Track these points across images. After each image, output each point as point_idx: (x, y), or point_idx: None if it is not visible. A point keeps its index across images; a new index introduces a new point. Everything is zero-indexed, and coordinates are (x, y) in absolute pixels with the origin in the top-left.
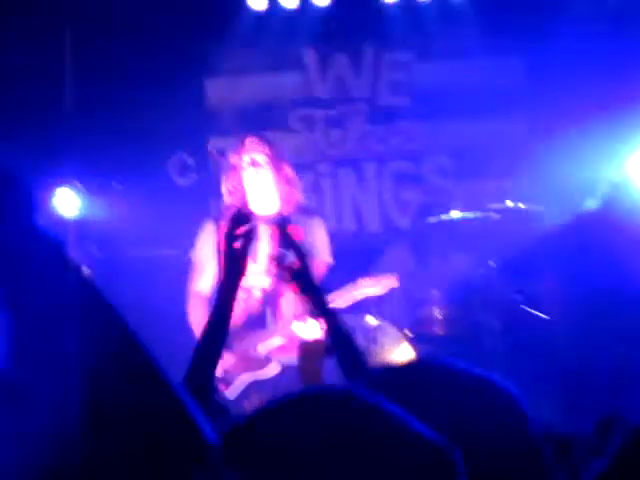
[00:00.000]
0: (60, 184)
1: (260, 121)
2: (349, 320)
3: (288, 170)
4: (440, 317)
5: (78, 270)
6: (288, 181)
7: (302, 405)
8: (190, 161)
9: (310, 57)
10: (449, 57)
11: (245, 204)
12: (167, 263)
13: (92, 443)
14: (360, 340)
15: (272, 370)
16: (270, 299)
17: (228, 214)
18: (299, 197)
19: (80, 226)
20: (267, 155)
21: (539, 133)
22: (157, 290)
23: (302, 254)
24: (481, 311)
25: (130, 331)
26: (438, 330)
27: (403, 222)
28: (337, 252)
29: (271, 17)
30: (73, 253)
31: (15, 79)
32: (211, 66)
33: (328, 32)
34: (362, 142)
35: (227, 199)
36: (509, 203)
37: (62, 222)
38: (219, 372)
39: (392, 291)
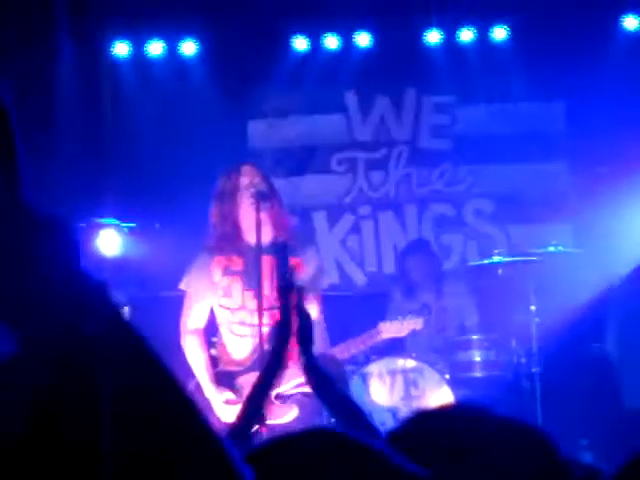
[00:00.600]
0: (102, 225)
1: (302, 163)
2: (389, 363)
3: (279, 197)
4: (479, 360)
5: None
6: (282, 209)
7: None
8: None
9: (352, 99)
10: (491, 101)
11: (238, 231)
12: None
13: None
14: (400, 383)
15: (285, 415)
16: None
17: (221, 244)
18: (291, 222)
19: (121, 266)
20: (268, 184)
21: (581, 178)
22: None
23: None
24: (521, 355)
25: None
26: (477, 374)
27: (445, 265)
28: (377, 295)
29: (314, 59)
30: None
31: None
32: (255, 107)
33: (370, 74)
34: (403, 185)
35: (219, 226)
36: (551, 247)
37: (103, 262)
38: (230, 419)
39: (432, 333)
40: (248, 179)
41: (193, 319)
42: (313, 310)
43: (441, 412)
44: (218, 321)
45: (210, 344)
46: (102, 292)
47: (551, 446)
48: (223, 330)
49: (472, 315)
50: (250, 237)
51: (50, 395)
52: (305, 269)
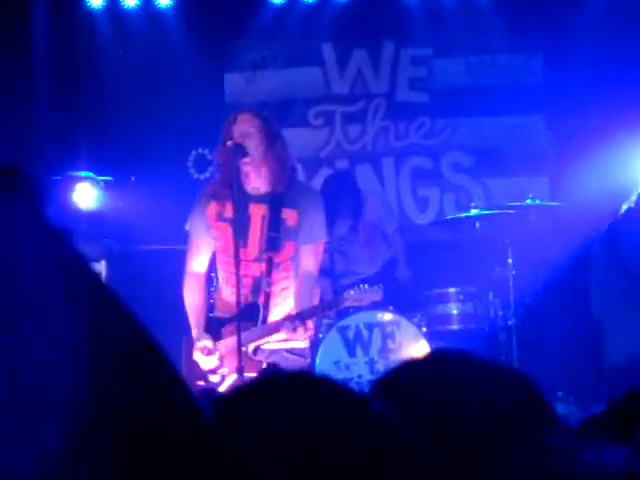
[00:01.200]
0: (79, 179)
1: (279, 116)
2: (366, 317)
3: (281, 145)
4: (456, 313)
5: (86, 265)
6: (279, 156)
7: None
8: (209, 156)
9: (329, 52)
10: (469, 53)
11: (237, 181)
12: (183, 257)
13: (96, 443)
14: (377, 336)
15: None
16: (262, 288)
17: (217, 189)
18: (292, 174)
19: (98, 219)
20: (258, 128)
21: (558, 131)
22: (173, 284)
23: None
24: (498, 307)
25: (142, 328)
26: (454, 326)
27: (421, 218)
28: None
29: (290, 12)
30: (90, 245)
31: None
32: (231, 61)
33: (347, 27)
34: (380, 138)
35: (218, 171)
36: (528, 201)
37: (79, 215)
38: (209, 366)
39: (409, 287)
40: (241, 128)
41: (193, 262)
42: (309, 261)
43: (426, 360)
44: (216, 267)
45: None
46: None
47: (535, 387)
48: (219, 277)
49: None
50: (247, 186)
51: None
52: (301, 220)
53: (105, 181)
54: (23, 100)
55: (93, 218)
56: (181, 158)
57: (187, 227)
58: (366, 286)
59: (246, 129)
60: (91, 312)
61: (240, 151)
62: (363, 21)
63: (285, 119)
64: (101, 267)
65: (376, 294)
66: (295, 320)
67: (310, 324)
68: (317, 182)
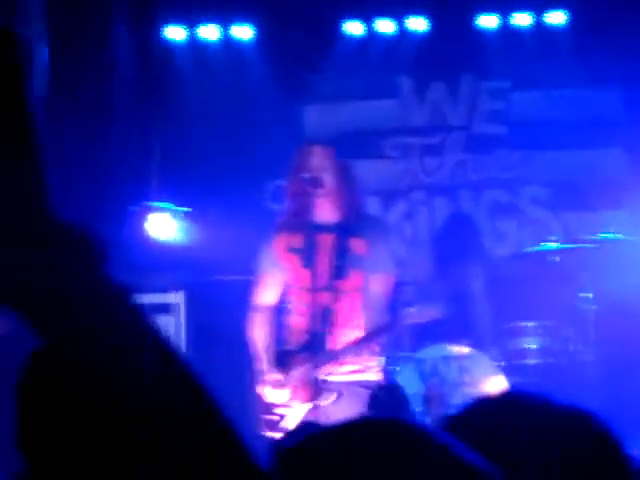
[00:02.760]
0: (157, 209)
1: (355, 148)
2: (443, 350)
3: (352, 178)
4: (534, 348)
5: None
6: (351, 189)
7: (343, 435)
8: None
9: (407, 85)
10: (547, 86)
11: (305, 212)
12: None
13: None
14: (453, 369)
15: (330, 398)
16: (328, 317)
17: (288, 220)
18: (361, 204)
19: (175, 249)
20: (331, 161)
21: (637, 164)
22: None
23: None
24: (577, 342)
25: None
26: (532, 361)
27: (499, 251)
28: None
29: (369, 44)
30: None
31: (113, 102)
32: (309, 94)
33: (425, 60)
34: (458, 170)
35: (290, 202)
36: (607, 234)
37: (156, 246)
38: (279, 399)
39: (484, 321)
40: (316, 160)
41: (257, 295)
42: (378, 290)
43: (501, 398)
44: (286, 300)
45: (279, 323)
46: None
47: (613, 438)
48: (289, 309)
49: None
50: (315, 217)
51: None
52: (370, 250)
53: (185, 212)
54: (100, 130)
55: (171, 249)
56: (259, 190)
57: (254, 264)
58: (425, 303)
59: (321, 161)
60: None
61: (317, 183)
62: (441, 54)
63: (362, 151)
64: (179, 297)
65: (436, 311)
66: (360, 343)
67: (376, 347)
68: (394, 214)
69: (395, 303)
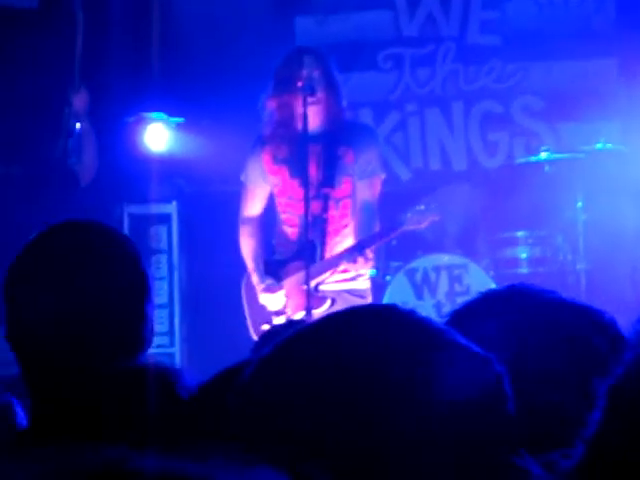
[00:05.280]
0: (150, 119)
1: (348, 60)
2: (434, 259)
3: (338, 85)
4: (524, 257)
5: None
6: (338, 96)
7: (339, 322)
8: None
9: None
10: None
11: (291, 122)
12: None
13: None
14: (445, 279)
15: (323, 306)
16: (319, 226)
17: (274, 132)
18: (344, 113)
19: (169, 161)
20: (321, 69)
21: (631, 75)
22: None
23: None
24: (567, 251)
25: None
26: (522, 270)
27: (490, 162)
28: (423, 190)
29: None
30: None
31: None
32: (302, 4)
33: None
34: (450, 81)
35: (276, 113)
36: (598, 145)
37: (151, 156)
38: (276, 306)
39: (477, 231)
40: (307, 70)
41: (246, 207)
42: (366, 195)
43: (508, 290)
44: (276, 210)
45: (272, 233)
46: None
47: (620, 331)
48: (278, 219)
49: None
50: (301, 126)
51: None
52: (358, 157)
53: (177, 122)
54: (96, 41)
55: (164, 159)
56: (253, 101)
57: (242, 177)
58: (422, 207)
59: (312, 70)
60: None
61: (313, 91)
62: None
63: (355, 63)
64: (172, 207)
65: (435, 214)
66: (354, 251)
67: (370, 254)
68: (386, 126)
69: (390, 209)
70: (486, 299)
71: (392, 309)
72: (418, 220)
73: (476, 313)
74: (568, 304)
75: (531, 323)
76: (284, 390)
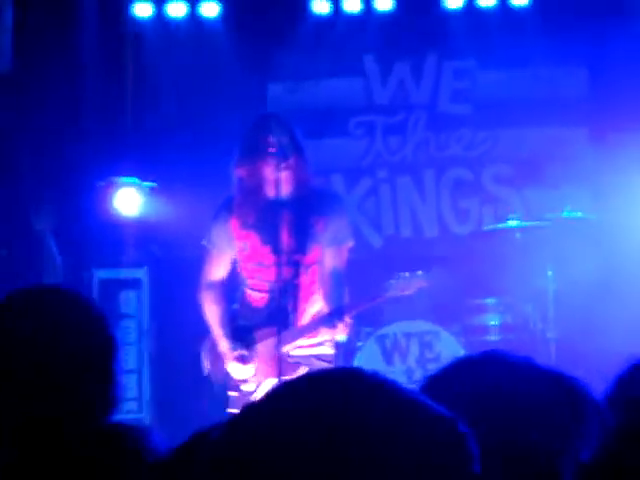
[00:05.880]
0: (122, 184)
1: (320, 126)
2: (405, 326)
3: (304, 151)
4: (495, 324)
5: None
6: (306, 162)
7: (298, 390)
8: None
9: (371, 64)
10: (512, 65)
11: (260, 188)
12: None
13: None
14: (415, 345)
15: (295, 373)
16: (290, 292)
17: (243, 198)
18: (313, 180)
19: (141, 225)
20: (289, 135)
21: (599, 142)
22: None
23: None
24: (538, 319)
25: None
26: (492, 337)
27: (461, 229)
28: (394, 258)
29: (334, 22)
30: (134, 252)
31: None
32: (274, 70)
33: (390, 39)
34: (421, 149)
35: (246, 180)
36: (566, 212)
37: (123, 221)
38: (245, 375)
39: (447, 298)
40: (275, 136)
41: (210, 273)
42: (335, 262)
43: (482, 357)
44: (240, 275)
45: (231, 299)
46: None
47: (592, 399)
48: (243, 285)
49: None
50: (270, 193)
51: None
52: (327, 225)
53: (149, 187)
54: (68, 107)
55: (136, 223)
56: (225, 166)
57: (205, 242)
58: (407, 274)
59: (280, 136)
60: None
61: (283, 157)
62: (406, 33)
63: (326, 129)
64: (143, 272)
65: (421, 281)
66: (335, 316)
67: (348, 319)
68: (357, 192)
69: (374, 276)
70: (460, 365)
71: (355, 372)
72: (403, 287)
73: (449, 379)
74: (541, 372)
75: (503, 392)
76: (250, 455)
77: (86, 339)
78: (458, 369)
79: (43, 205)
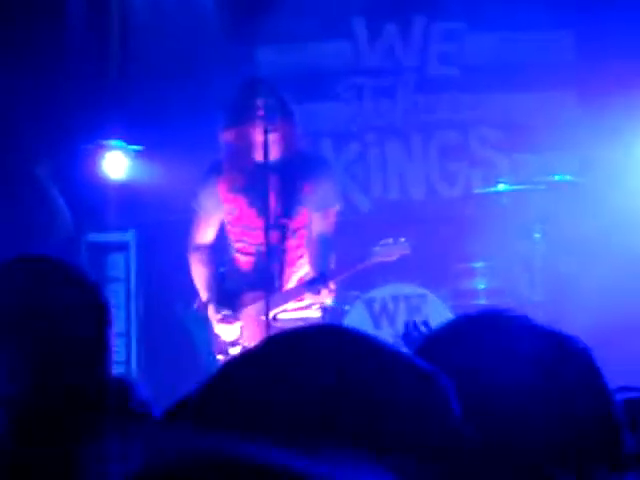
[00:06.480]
0: (109, 147)
1: (308, 89)
2: (393, 289)
3: (293, 115)
4: (483, 288)
5: None
6: (294, 126)
7: (279, 346)
8: None
9: (360, 27)
10: (500, 29)
11: (248, 151)
12: None
13: None
14: (403, 309)
15: None
16: (276, 256)
17: (231, 161)
18: (301, 143)
19: (128, 189)
20: (277, 98)
21: (587, 107)
22: None
23: None
24: (526, 283)
25: None
26: (480, 301)
27: (449, 192)
28: (382, 221)
29: None
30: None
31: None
32: (262, 34)
33: (379, 1)
34: (410, 112)
35: (233, 143)
36: (555, 176)
37: (110, 184)
38: (232, 336)
39: (434, 261)
40: (263, 100)
41: (198, 235)
42: (322, 227)
43: (477, 316)
44: (228, 238)
45: (219, 261)
46: None
47: (593, 360)
48: (231, 248)
49: None
50: (258, 156)
51: None
52: (314, 188)
53: (136, 150)
54: (54, 70)
55: (123, 187)
56: (213, 130)
57: (194, 205)
58: (391, 240)
59: (268, 99)
60: None
61: (271, 120)
62: None
63: (315, 93)
64: (130, 236)
65: (404, 247)
66: (318, 282)
67: (332, 285)
68: (346, 157)
69: (362, 239)
70: (457, 325)
71: (332, 327)
72: (387, 253)
73: (447, 339)
74: (540, 331)
75: (502, 351)
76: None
77: (79, 309)
78: (455, 329)
79: (41, 156)
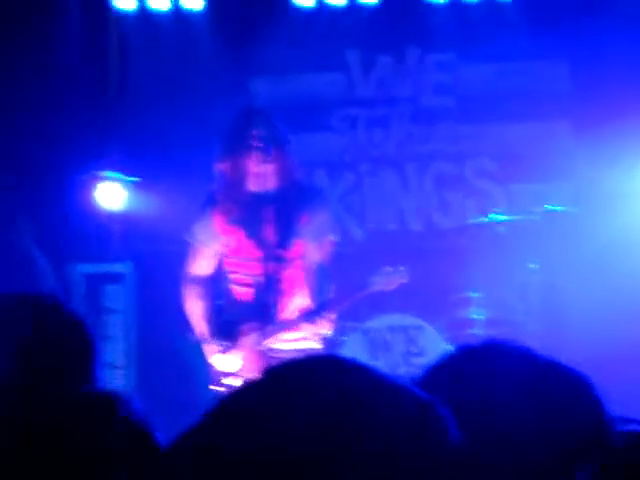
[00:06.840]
0: (106, 178)
1: (302, 120)
2: (389, 320)
3: (289, 146)
4: (480, 318)
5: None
6: (289, 156)
7: (280, 378)
8: None
9: (354, 58)
10: (494, 59)
11: (243, 182)
12: None
13: None
14: (399, 340)
15: None
16: (273, 286)
17: (226, 193)
18: (296, 175)
19: (125, 220)
20: (273, 129)
21: (582, 137)
22: None
23: None
24: (523, 313)
25: None
26: (477, 331)
27: (444, 223)
28: (378, 251)
29: (317, 16)
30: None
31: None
32: (258, 64)
33: (372, 33)
34: (404, 143)
35: (228, 175)
36: (549, 206)
37: (104, 215)
38: (230, 367)
39: (431, 292)
40: (258, 130)
41: (194, 267)
42: (318, 257)
43: (481, 347)
44: (223, 270)
45: (216, 294)
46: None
47: (593, 390)
48: (228, 280)
49: None
50: (254, 187)
51: None
52: (310, 220)
53: (133, 181)
54: (54, 100)
55: (120, 218)
56: (210, 161)
57: (187, 237)
58: (390, 269)
59: (263, 130)
60: None
61: (267, 151)
62: (389, 26)
63: (309, 123)
64: (127, 267)
65: (403, 276)
66: (315, 312)
67: (331, 316)
68: (340, 187)
69: (358, 270)
70: (459, 356)
71: (332, 358)
72: (386, 282)
73: (448, 371)
74: (541, 363)
75: (503, 383)
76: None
77: (67, 344)
78: (458, 362)
79: (22, 217)
